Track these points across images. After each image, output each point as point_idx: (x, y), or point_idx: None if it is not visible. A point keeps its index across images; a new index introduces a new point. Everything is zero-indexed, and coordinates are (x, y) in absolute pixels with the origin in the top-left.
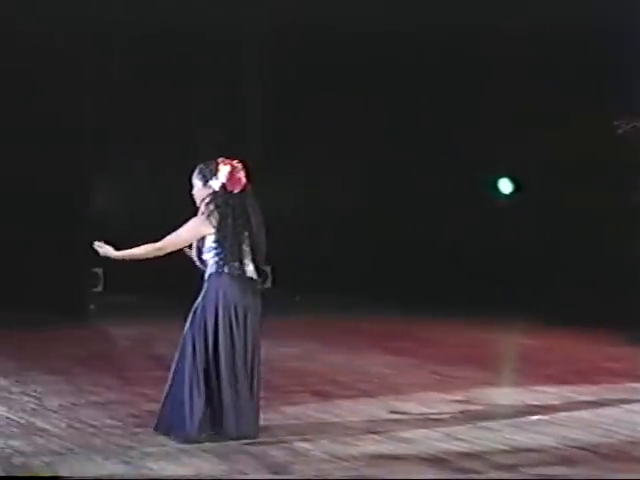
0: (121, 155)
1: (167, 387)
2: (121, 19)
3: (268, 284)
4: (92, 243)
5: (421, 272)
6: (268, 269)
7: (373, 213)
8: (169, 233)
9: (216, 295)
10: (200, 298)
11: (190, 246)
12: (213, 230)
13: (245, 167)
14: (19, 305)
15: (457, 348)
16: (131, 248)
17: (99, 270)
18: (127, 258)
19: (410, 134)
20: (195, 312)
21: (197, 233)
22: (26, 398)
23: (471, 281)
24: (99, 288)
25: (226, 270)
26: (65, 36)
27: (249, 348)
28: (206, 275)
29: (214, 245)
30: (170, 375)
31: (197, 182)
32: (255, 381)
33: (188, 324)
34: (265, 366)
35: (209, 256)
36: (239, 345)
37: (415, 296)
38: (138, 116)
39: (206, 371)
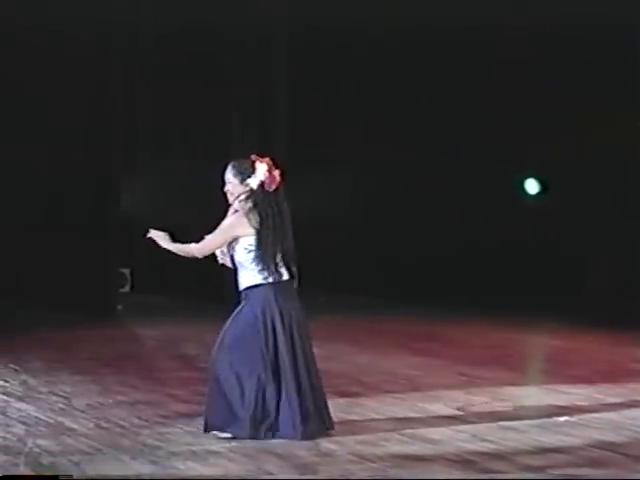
0: (150, 156)
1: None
2: (149, 19)
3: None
4: (120, 242)
5: (446, 272)
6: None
7: (398, 212)
8: (200, 235)
9: (263, 306)
10: (247, 310)
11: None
12: (252, 230)
13: (277, 165)
14: (47, 305)
15: (483, 349)
16: (159, 251)
17: (126, 270)
18: (174, 252)
19: (437, 134)
20: (247, 324)
21: (233, 233)
22: (54, 398)
23: (497, 281)
24: (126, 288)
25: (270, 279)
26: (91, 36)
27: (307, 351)
28: (245, 282)
29: (252, 247)
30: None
31: (233, 179)
32: (315, 379)
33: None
34: None
35: (245, 258)
36: (299, 352)
37: (440, 296)
38: (167, 117)
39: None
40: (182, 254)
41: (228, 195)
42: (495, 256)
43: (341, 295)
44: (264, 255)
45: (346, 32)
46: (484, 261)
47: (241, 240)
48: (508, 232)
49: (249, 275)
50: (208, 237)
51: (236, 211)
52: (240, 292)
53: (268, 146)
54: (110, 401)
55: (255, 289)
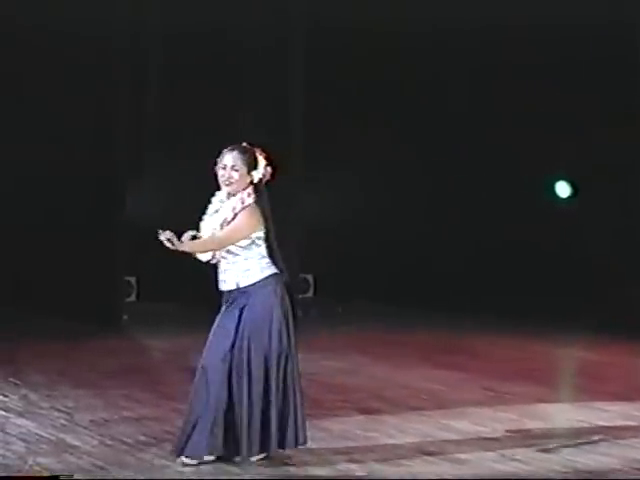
0: (158, 157)
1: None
2: (157, 17)
3: (309, 293)
4: (126, 247)
5: (471, 280)
6: (310, 278)
7: (422, 217)
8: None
9: (273, 301)
10: (255, 309)
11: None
12: (262, 226)
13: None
14: (48, 315)
15: (511, 362)
16: (166, 258)
17: (132, 278)
18: (189, 251)
19: (463, 134)
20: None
21: (251, 232)
22: (56, 413)
23: (525, 290)
24: (132, 297)
25: (275, 269)
26: (96, 33)
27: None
28: (248, 278)
29: (260, 241)
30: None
31: (243, 167)
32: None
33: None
34: (307, 381)
35: (247, 253)
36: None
37: (463, 305)
38: (176, 116)
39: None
40: (199, 252)
41: (229, 180)
42: (521, 263)
43: (358, 304)
44: (272, 248)
45: (362, 32)
46: (509, 268)
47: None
48: (535, 237)
49: (255, 270)
50: (230, 227)
51: (245, 203)
52: (232, 291)
53: (282, 147)
54: (115, 417)
55: (260, 283)
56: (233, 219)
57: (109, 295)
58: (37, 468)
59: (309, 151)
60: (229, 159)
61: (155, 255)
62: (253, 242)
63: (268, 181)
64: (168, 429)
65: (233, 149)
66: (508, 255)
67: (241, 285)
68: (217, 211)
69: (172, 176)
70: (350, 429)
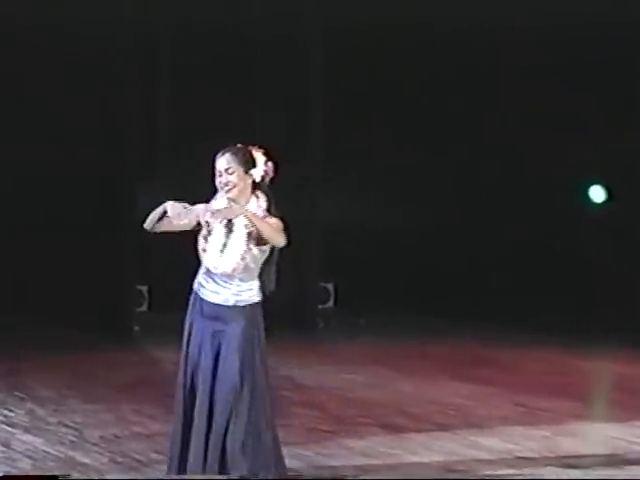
0: (170, 158)
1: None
2: (170, 15)
3: (329, 303)
4: (137, 254)
5: (501, 288)
6: (330, 287)
7: (444, 221)
8: None
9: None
10: (254, 325)
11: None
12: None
13: (270, 155)
14: (56, 326)
15: (543, 375)
16: (179, 266)
17: (143, 287)
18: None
19: (492, 136)
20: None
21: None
22: (64, 429)
23: (558, 299)
24: (143, 307)
25: (263, 293)
26: (106, 35)
27: None
28: (244, 296)
29: (265, 253)
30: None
31: (238, 169)
32: None
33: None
34: (328, 395)
35: (256, 265)
36: None
37: (494, 316)
38: (189, 115)
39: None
40: (260, 228)
41: (228, 186)
42: (553, 271)
43: (381, 314)
44: (270, 268)
45: (381, 32)
46: (540, 276)
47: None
48: (567, 244)
49: (253, 286)
50: (275, 225)
51: (265, 212)
52: (223, 306)
53: (300, 149)
54: (126, 433)
55: (254, 306)
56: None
57: (119, 305)
58: None
59: (328, 154)
60: (222, 163)
61: (168, 262)
62: (262, 251)
63: (273, 179)
64: None
65: (225, 152)
66: (539, 263)
67: (233, 302)
68: (231, 224)
69: (185, 177)
70: (372, 446)
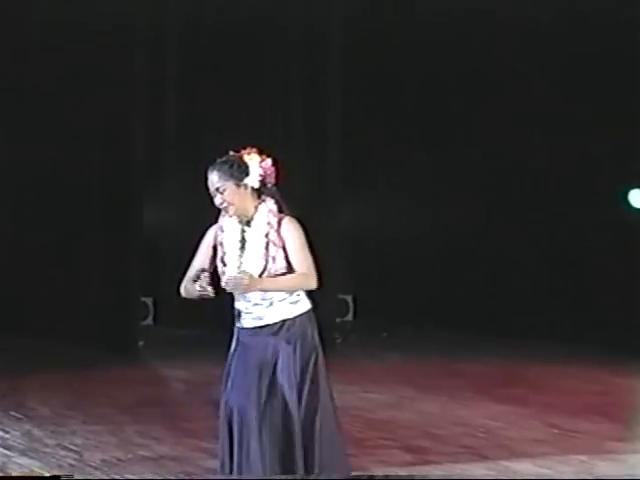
0: (178, 162)
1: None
2: (179, 11)
3: (348, 316)
4: (142, 265)
5: (533, 301)
6: (349, 299)
7: (472, 230)
8: None
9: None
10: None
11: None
12: None
13: (267, 154)
14: (55, 341)
15: (579, 395)
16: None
17: (148, 299)
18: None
19: (523, 140)
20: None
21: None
22: (63, 452)
23: (595, 313)
24: (148, 320)
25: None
26: (113, 30)
27: None
28: (287, 310)
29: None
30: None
31: (227, 184)
32: None
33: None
34: (347, 416)
35: (284, 271)
36: None
37: (527, 331)
38: (199, 117)
39: None
40: (286, 290)
41: (224, 206)
42: (591, 283)
43: (404, 328)
44: None
45: (403, 29)
46: (577, 288)
47: (278, 258)
48: (604, 254)
49: (293, 297)
50: (304, 262)
51: (279, 218)
52: (264, 326)
53: (318, 154)
54: (129, 456)
55: (299, 318)
56: (279, 232)
57: (123, 318)
58: None
59: (346, 157)
60: (211, 182)
61: (174, 272)
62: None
63: (277, 178)
64: (189, 470)
65: (211, 169)
66: (575, 274)
67: (275, 319)
68: (244, 239)
69: (193, 184)
70: (395, 470)
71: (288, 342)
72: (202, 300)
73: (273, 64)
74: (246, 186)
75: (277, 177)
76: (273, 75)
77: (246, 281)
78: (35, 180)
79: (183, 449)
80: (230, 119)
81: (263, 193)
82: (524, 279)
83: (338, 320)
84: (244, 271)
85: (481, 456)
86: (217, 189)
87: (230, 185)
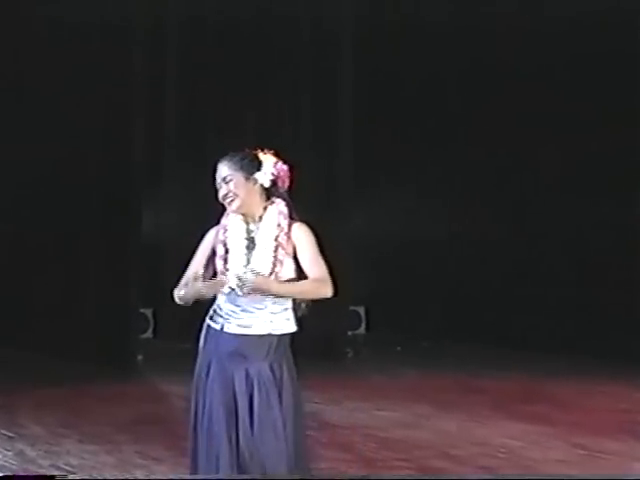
0: (179, 164)
1: None
2: (181, 7)
3: (361, 329)
4: (141, 274)
5: (558, 313)
6: (361, 311)
7: (492, 237)
8: None
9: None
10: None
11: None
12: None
13: (284, 159)
14: (50, 355)
15: (607, 413)
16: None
17: (148, 311)
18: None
19: (543, 142)
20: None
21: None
22: (57, 472)
23: (622, 327)
24: (148, 333)
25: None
26: (112, 28)
27: None
28: (278, 322)
29: (294, 276)
30: None
31: (236, 175)
32: None
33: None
34: (359, 435)
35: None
36: None
37: (550, 345)
38: (201, 117)
39: None
40: (299, 297)
41: (230, 197)
42: (618, 294)
43: (420, 341)
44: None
45: (419, 28)
46: (603, 300)
47: (286, 266)
48: (631, 260)
49: (287, 313)
50: (318, 269)
51: (289, 222)
52: (252, 337)
53: (327, 152)
54: (127, 477)
55: (285, 338)
56: (289, 236)
57: (121, 331)
58: None
59: (358, 162)
60: (219, 173)
61: (176, 282)
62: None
63: (290, 185)
64: None
65: (223, 159)
66: (601, 283)
67: (277, 331)
68: (252, 240)
69: (196, 187)
70: None
71: (271, 369)
72: (196, 303)
73: (280, 62)
74: (255, 181)
75: (290, 183)
76: (280, 73)
77: (260, 280)
78: (31, 180)
79: (184, 470)
80: (235, 119)
81: (273, 195)
82: (545, 290)
83: (349, 333)
84: (258, 272)
85: (501, 477)
86: (224, 179)
87: (239, 176)
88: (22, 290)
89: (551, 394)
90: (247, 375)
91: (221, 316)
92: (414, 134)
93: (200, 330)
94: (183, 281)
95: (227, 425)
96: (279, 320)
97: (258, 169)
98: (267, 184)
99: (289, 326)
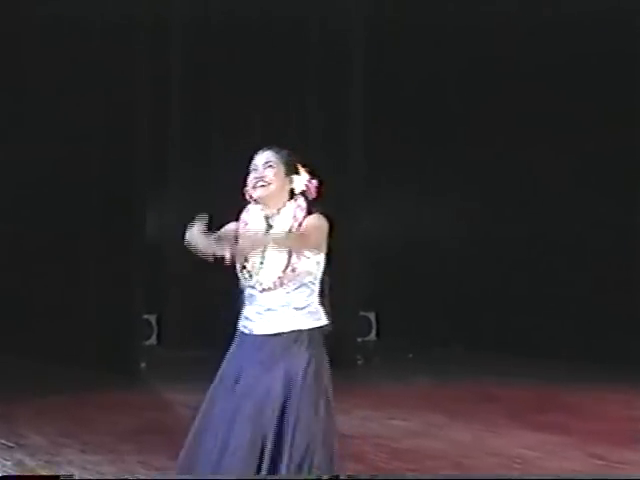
0: (185, 165)
1: None
2: (186, 5)
3: (371, 336)
4: (145, 278)
5: (575, 320)
6: (372, 317)
7: (514, 244)
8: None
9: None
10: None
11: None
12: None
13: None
14: (50, 362)
15: (625, 422)
16: (195, 290)
17: (152, 317)
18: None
19: (547, 141)
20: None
21: (323, 240)
22: None
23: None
24: (152, 340)
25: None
26: (116, 26)
27: None
28: (302, 317)
29: (315, 270)
30: None
31: (280, 165)
32: None
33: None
34: (370, 445)
35: (309, 277)
36: None
37: (567, 352)
38: (207, 116)
39: None
40: (282, 246)
41: (262, 181)
42: (632, 300)
43: (432, 348)
44: (321, 287)
45: (432, 28)
46: (621, 304)
47: (303, 260)
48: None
49: (312, 307)
50: (312, 231)
51: (306, 214)
52: (276, 334)
53: (339, 164)
54: (128, 477)
55: (313, 331)
56: (302, 224)
57: (123, 337)
58: None
59: (369, 163)
60: (262, 157)
61: (180, 286)
62: (313, 268)
63: (315, 199)
64: None
65: (267, 149)
66: (622, 289)
67: (296, 327)
68: (269, 232)
69: (201, 189)
70: None
71: (306, 364)
72: (209, 260)
73: (286, 62)
74: (291, 181)
75: (317, 196)
76: (286, 74)
77: (257, 236)
78: (34, 181)
79: None
80: (241, 120)
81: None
82: (562, 295)
83: (359, 340)
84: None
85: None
86: (267, 162)
87: (281, 168)
88: (21, 293)
89: (567, 403)
90: (284, 373)
91: (249, 320)
92: (413, 134)
93: (206, 336)
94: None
95: (255, 425)
96: (303, 315)
97: (297, 173)
98: (298, 190)
99: (315, 320)
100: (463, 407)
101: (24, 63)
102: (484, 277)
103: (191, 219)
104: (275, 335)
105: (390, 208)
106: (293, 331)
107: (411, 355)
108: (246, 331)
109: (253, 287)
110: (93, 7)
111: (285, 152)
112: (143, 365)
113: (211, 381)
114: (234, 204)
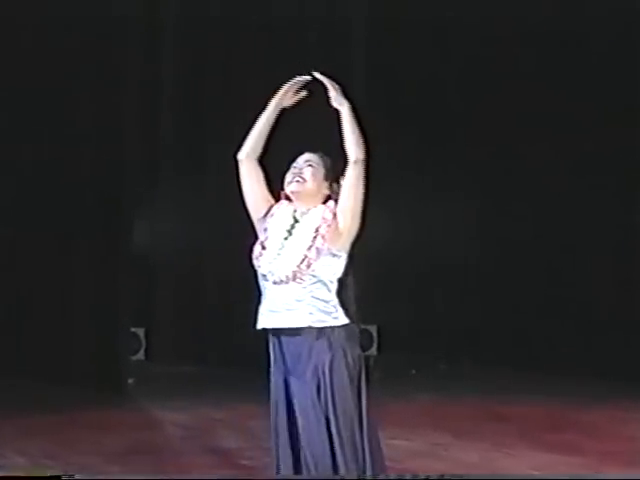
0: (176, 169)
1: None
2: (179, 5)
3: (372, 350)
4: (133, 290)
5: (589, 335)
6: (373, 330)
7: (525, 252)
8: (244, 273)
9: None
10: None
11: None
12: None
13: None
14: (33, 379)
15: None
16: (185, 302)
17: (140, 330)
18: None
19: (547, 141)
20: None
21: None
22: None
23: None
24: (140, 354)
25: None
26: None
27: None
28: (320, 315)
29: (342, 263)
30: None
31: (320, 168)
32: None
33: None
34: None
35: (327, 275)
36: None
37: (580, 368)
38: (200, 118)
39: None
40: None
41: (300, 177)
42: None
43: (437, 364)
44: (348, 282)
45: (432, 28)
46: (629, 321)
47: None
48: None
49: (331, 304)
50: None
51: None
52: (299, 329)
53: (338, 155)
54: (129, 477)
55: (337, 329)
56: (329, 225)
57: (110, 352)
58: None
59: (371, 167)
60: (304, 157)
61: (170, 298)
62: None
63: None
64: None
65: (312, 153)
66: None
67: (314, 325)
68: (293, 227)
69: (193, 197)
70: None
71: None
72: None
73: (286, 62)
74: (328, 186)
75: None
76: (286, 74)
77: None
78: (10, 183)
79: None
80: (235, 123)
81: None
82: (575, 308)
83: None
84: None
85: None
86: (308, 160)
87: (321, 170)
88: (4, 308)
89: (580, 421)
90: (313, 371)
91: (264, 315)
92: (413, 134)
93: (196, 351)
94: None
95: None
96: (320, 312)
97: (337, 181)
98: (334, 197)
99: (333, 319)
100: (469, 426)
101: (13, 64)
102: (495, 288)
103: (180, 230)
104: (294, 333)
105: (393, 214)
106: (311, 328)
107: (414, 371)
108: (267, 326)
109: (266, 278)
110: (84, 8)
111: (329, 159)
112: (130, 381)
113: (202, 398)
114: (225, 208)
